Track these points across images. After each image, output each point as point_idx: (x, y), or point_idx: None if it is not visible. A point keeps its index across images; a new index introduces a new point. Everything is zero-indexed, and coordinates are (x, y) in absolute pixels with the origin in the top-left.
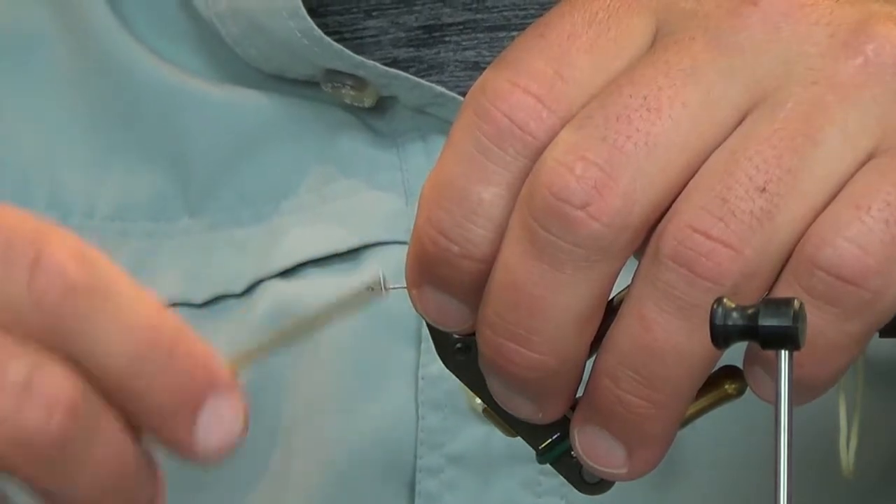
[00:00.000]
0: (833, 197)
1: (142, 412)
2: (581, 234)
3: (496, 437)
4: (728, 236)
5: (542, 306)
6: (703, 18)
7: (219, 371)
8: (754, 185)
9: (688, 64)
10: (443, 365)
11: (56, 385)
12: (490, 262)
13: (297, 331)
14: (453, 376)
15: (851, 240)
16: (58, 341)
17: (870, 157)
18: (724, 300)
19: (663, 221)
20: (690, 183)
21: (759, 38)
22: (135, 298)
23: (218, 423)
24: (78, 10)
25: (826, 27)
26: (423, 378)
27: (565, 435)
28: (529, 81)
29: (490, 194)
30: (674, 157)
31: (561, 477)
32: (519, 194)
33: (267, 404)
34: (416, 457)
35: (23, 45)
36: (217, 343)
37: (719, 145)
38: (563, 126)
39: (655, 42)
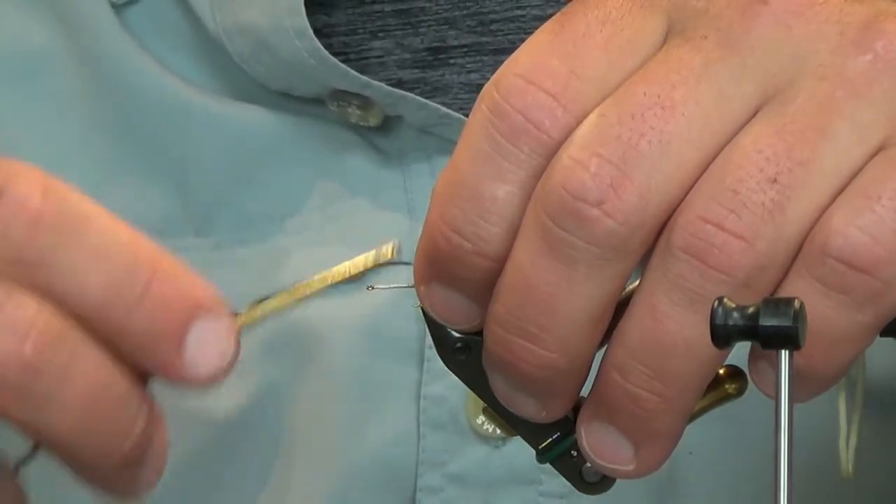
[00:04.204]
0: (843, 189)
1: (125, 341)
2: (596, 232)
3: (497, 457)
4: (740, 228)
5: (554, 304)
6: (713, 17)
7: (203, 296)
8: (765, 176)
9: (700, 62)
10: (442, 382)
11: (26, 314)
12: (502, 261)
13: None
14: (454, 397)
15: (863, 229)
16: (28, 274)
17: (879, 151)
18: (725, 300)
19: (675, 214)
20: (702, 176)
21: (769, 37)
22: (107, 229)
23: (205, 346)
24: (86, 26)
25: (836, 25)
26: (424, 398)
27: (565, 434)
28: (545, 79)
29: (504, 192)
30: (687, 155)
31: (560, 498)
32: (532, 192)
33: (268, 421)
34: (416, 476)
35: (29, 61)
36: None
37: (731, 142)
38: (577, 124)
39: (667, 40)
